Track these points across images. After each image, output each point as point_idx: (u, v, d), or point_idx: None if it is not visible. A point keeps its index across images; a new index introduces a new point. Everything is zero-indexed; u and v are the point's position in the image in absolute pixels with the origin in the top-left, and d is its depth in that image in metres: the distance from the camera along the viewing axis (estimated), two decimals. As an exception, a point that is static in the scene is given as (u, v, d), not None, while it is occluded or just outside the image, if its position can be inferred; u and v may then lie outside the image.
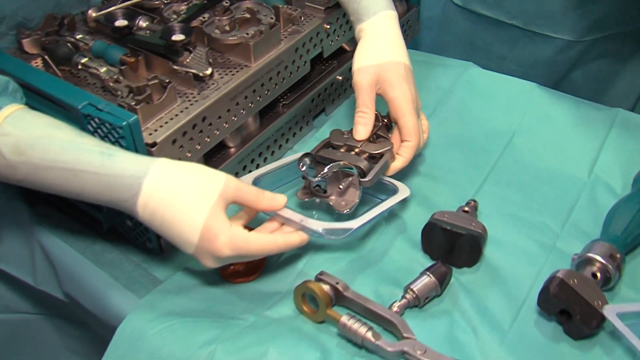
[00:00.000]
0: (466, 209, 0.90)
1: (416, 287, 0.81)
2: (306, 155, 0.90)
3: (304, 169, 0.89)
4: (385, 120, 0.96)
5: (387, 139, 0.94)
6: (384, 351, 0.74)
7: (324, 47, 1.02)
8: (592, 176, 0.97)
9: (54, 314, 1.06)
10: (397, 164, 0.91)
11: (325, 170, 0.87)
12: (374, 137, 0.94)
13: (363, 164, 0.89)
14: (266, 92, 0.93)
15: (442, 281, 0.82)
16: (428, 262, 0.85)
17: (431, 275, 0.81)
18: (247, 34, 0.90)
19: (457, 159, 1.00)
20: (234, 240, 0.74)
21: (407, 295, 0.81)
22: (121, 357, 0.77)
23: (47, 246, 0.90)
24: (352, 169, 0.88)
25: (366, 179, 0.88)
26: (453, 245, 0.84)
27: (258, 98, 0.92)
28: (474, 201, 0.92)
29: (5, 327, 1.07)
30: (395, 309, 0.79)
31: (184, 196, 0.73)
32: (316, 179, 0.87)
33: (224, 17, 0.93)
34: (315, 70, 1.05)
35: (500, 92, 1.10)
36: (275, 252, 0.79)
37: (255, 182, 0.89)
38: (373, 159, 0.91)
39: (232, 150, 0.94)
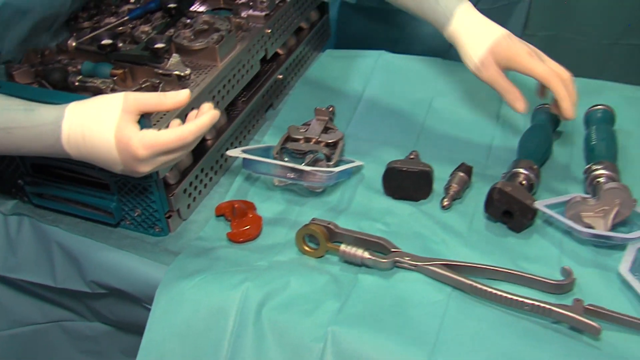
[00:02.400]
0: (411, 156, 1.11)
1: (455, 182, 1.04)
2: (283, 149, 1.10)
3: (286, 159, 1.08)
4: (330, 116, 1.17)
5: (336, 129, 1.14)
6: (380, 263, 0.93)
7: (267, 49, 1.21)
8: (499, 120, 1.21)
9: (64, 318, 1.16)
10: (563, 104, 0.98)
11: (307, 159, 1.07)
12: (325, 129, 1.14)
13: (326, 150, 1.09)
14: (232, 87, 1.11)
15: (470, 175, 1.05)
16: (389, 201, 1.05)
17: (461, 173, 1.05)
18: (211, 39, 1.07)
19: (393, 125, 1.22)
20: (144, 140, 0.83)
21: (451, 191, 1.03)
22: (166, 314, 0.91)
23: (67, 244, 1.02)
24: (322, 155, 1.07)
25: (331, 162, 1.08)
26: (410, 183, 1.05)
27: (227, 92, 1.09)
28: (415, 151, 1.13)
29: (17, 340, 1.15)
30: (446, 202, 1.03)
31: (92, 123, 0.83)
32: (302, 165, 1.05)
33: (187, 30, 1.10)
34: (261, 72, 1.24)
35: (412, 69, 1.34)
36: (192, 138, 0.86)
37: (245, 152, 1.06)
38: (329, 146, 1.11)
39: (209, 142, 1.11)
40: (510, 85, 1.00)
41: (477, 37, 1.00)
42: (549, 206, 0.99)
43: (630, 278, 0.89)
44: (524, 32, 1.67)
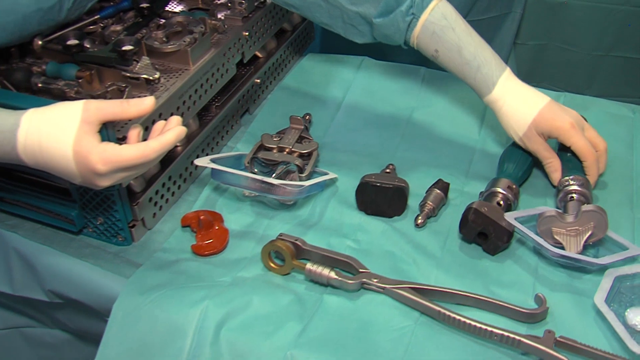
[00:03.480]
0: (387, 170, 1.07)
1: (430, 200, 1.01)
2: (254, 159, 1.06)
3: (256, 169, 1.04)
4: (305, 123, 1.13)
5: (311, 139, 1.10)
6: (346, 284, 0.89)
7: (245, 52, 1.17)
8: (481, 134, 1.18)
9: (24, 325, 1.13)
10: (590, 180, 1.01)
11: (278, 171, 1.03)
12: (300, 139, 1.10)
13: (299, 161, 1.05)
14: (205, 91, 1.07)
15: (446, 192, 1.02)
16: (361, 216, 1.01)
17: (437, 190, 1.01)
18: (184, 41, 1.03)
19: (371, 135, 1.18)
20: (104, 154, 0.79)
21: (426, 209, 1.00)
22: (122, 329, 0.87)
23: (24, 250, 0.98)
24: (294, 167, 1.04)
25: (304, 174, 1.04)
26: (383, 198, 1.01)
27: (199, 97, 1.05)
28: (392, 165, 1.09)
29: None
30: (420, 220, 0.98)
31: (50, 134, 0.79)
32: (272, 178, 1.01)
33: (159, 32, 1.06)
34: (238, 75, 1.20)
35: (394, 77, 1.30)
36: (155, 155, 0.82)
37: (214, 160, 1.02)
38: (302, 157, 1.07)
39: (179, 149, 1.07)
40: (553, 156, 1.04)
41: (520, 109, 1.03)
42: (520, 219, 0.95)
43: (605, 309, 0.85)
44: (515, 41, 1.64)
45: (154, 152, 0.83)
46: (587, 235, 0.92)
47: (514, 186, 1.01)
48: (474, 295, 0.88)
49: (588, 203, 0.97)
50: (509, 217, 0.94)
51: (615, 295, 0.89)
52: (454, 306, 0.88)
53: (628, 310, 0.86)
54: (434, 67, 1.32)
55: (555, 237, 0.93)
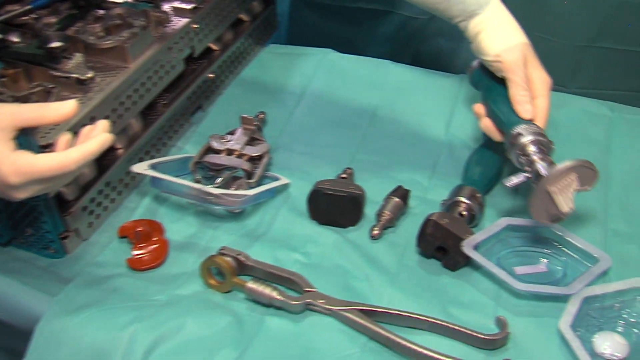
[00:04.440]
0: (343, 175, 1.00)
1: (388, 209, 0.92)
2: (197, 164, 0.98)
3: (198, 175, 0.97)
4: (257, 123, 1.05)
5: (263, 140, 1.02)
6: (290, 305, 0.82)
7: (195, 46, 1.09)
8: (448, 134, 1.10)
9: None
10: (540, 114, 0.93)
11: (221, 178, 0.95)
12: (250, 140, 1.02)
13: (248, 166, 0.97)
14: (147, 90, 0.98)
15: (406, 201, 0.94)
16: (313, 227, 0.94)
17: (396, 198, 0.93)
18: (122, 37, 0.95)
19: (330, 135, 1.10)
20: (17, 164, 0.72)
21: (382, 219, 0.92)
22: (44, 354, 0.80)
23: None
24: (240, 172, 0.96)
25: (252, 180, 0.96)
26: (337, 208, 0.93)
27: (140, 97, 0.97)
28: (350, 169, 1.01)
29: None
30: (376, 231, 0.91)
31: None
32: (214, 186, 0.93)
33: (97, 25, 0.97)
34: (188, 70, 1.11)
35: (358, 72, 1.22)
36: (75, 166, 0.74)
37: (155, 165, 0.95)
38: (253, 160, 0.99)
39: (120, 151, 0.99)
40: (527, 85, 0.94)
41: (510, 31, 0.97)
42: (480, 243, 0.88)
43: (570, 336, 0.78)
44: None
45: (73, 163, 0.75)
46: (575, 186, 0.85)
47: (478, 195, 0.93)
48: (428, 319, 0.80)
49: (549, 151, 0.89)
50: (467, 246, 0.86)
51: (583, 318, 0.81)
52: (407, 330, 0.80)
53: (596, 335, 0.79)
54: (402, 60, 1.25)
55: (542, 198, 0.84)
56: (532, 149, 0.87)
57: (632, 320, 0.81)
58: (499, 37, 0.97)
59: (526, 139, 0.88)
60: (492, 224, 0.92)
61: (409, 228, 0.93)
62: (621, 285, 0.84)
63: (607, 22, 1.54)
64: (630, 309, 0.83)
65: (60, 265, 0.91)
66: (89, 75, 0.90)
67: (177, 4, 1.07)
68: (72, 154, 0.75)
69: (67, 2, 1.02)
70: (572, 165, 0.84)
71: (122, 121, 0.95)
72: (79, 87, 0.90)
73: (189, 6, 1.07)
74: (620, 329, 0.81)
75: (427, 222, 0.88)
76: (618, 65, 1.60)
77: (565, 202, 0.84)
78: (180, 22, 1.05)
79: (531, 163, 0.87)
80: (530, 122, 0.91)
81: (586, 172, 0.85)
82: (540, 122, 0.92)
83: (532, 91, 0.94)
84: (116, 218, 0.97)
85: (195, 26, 1.07)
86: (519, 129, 0.89)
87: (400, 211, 0.95)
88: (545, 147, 0.88)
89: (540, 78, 0.96)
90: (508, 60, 0.95)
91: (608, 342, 0.78)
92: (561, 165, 0.83)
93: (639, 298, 0.83)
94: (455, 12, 0.99)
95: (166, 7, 1.07)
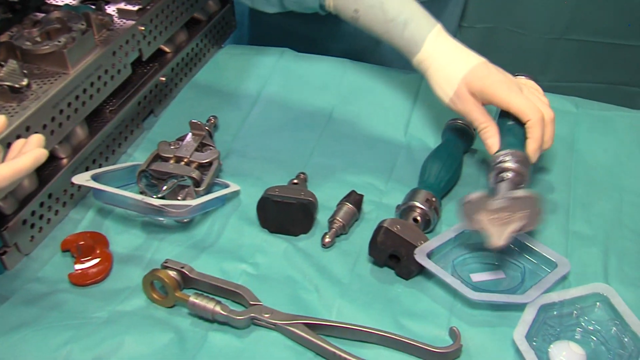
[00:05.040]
0: (295, 181, 0.96)
1: (340, 216, 0.89)
2: (142, 172, 0.94)
3: (142, 184, 0.93)
4: (207, 128, 1.01)
5: (213, 147, 0.99)
6: (234, 320, 0.78)
7: (143, 49, 1.05)
8: (407, 135, 1.06)
9: None
10: (531, 145, 0.88)
11: (165, 187, 0.91)
12: (200, 146, 0.98)
13: (195, 174, 0.94)
14: (90, 97, 0.94)
15: (359, 206, 0.91)
16: (264, 235, 0.91)
17: (349, 204, 0.90)
18: (60, 42, 0.91)
19: (284, 138, 1.06)
20: None
21: (334, 226, 0.88)
22: (-27, 380, 0.77)
23: None
24: (188, 181, 0.92)
25: (201, 188, 0.92)
26: (287, 215, 0.90)
27: (82, 104, 0.93)
28: (303, 174, 0.98)
29: None
30: (327, 239, 0.88)
31: None
32: (159, 196, 0.90)
33: (34, 30, 0.93)
34: (138, 74, 1.08)
35: (315, 72, 1.18)
36: (4, 184, 0.71)
37: (94, 178, 0.91)
38: (203, 167, 0.96)
39: (64, 161, 0.95)
40: (488, 120, 0.91)
41: (451, 65, 0.92)
42: (434, 251, 0.84)
43: (524, 347, 0.75)
44: (461, 24, 1.52)
45: (3, 180, 0.71)
46: (517, 226, 0.79)
47: (434, 199, 0.90)
48: (378, 332, 0.77)
49: (524, 185, 0.84)
50: (420, 253, 0.82)
51: (541, 327, 0.78)
52: (357, 344, 0.77)
53: (552, 345, 0.76)
54: (363, 58, 1.21)
55: (480, 224, 0.80)
56: (506, 175, 0.85)
57: (590, 328, 0.78)
58: (443, 78, 0.93)
59: (505, 165, 0.86)
60: (448, 228, 0.88)
61: (363, 235, 0.90)
62: (580, 292, 0.81)
63: (577, 15, 1.52)
64: (589, 316, 0.79)
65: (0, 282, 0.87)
66: (23, 83, 0.86)
67: (122, 6, 1.03)
68: (2, 170, 0.71)
69: (1, 5, 0.98)
70: (519, 196, 0.80)
71: (63, 130, 0.91)
72: (14, 95, 0.86)
73: (134, 7, 1.03)
74: (577, 337, 0.77)
75: (379, 229, 0.84)
76: (588, 57, 1.58)
77: (498, 235, 0.80)
78: (125, 24, 1.01)
79: (496, 186, 0.84)
80: (517, 149, 0.87)
81: (534, 210, 0.80)
82: (526, 115, 0.88)
83: (502, 105, 0.89)
84: (61, 231, 0.93)
85: (142, 28, 1.03)
86: (504, 153, 0.87)
87: (353, 217, 0.91)
88: (520, 177, 0.85)
89: (498, 89, 0.89)
90: (459, 109, 0.92)
91: (564, 352, 0.75)
92: (505, 197, 0.80)
93: (599, 304, 0.80)
94: (398, 47, 0.96)
95: (110, 9, 1.02)
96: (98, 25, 0.98)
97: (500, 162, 0.86)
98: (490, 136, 0.90)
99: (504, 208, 0.80)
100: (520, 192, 0.80)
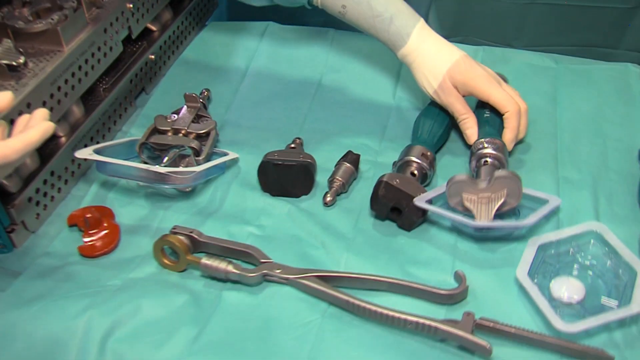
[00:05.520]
0: (292, 145, 0.99)
1: (339, 175, 0.92)
2: (143, 145, 0.95)
3: (144, 156, 0.94)
4: (202, 100, 1.03)
5: (208, 117, 1.01)
6: (247, 278, 0.80)
7: (132, 27, 1.06)
8: (396, 97, 1.09)
9: None
10: (508, 135, 0.94)
11: (168, 156, 0.93)
12: (196, 118, 1.00)
13: (195, 144, 0.96)
14: (85, 74, 0.96)
15: (357, 165, 0.94)
16: (266, 199, 0.93)
17: (347, 163, 0.93)
18: (53, 19, 0.92)
19: (277, 108, 1.09)
20: None
21: (334, 185, 0.91)
22: (-3, 349, 0.78)
23: None
24: (188, 150, 0.94)
25: (201, 157, 0.94)
26: (288, 178, 0.92)
27: (78, 81, 0.94)
28: (299, 138, 1.00)
29: None
30: (329, 198, 0.91)
31: None
32: (162, 165, 0.92)
33: (24, 9, 0.94)
34: (128, 52, 1.09)
35: (301, 42, 1.20)
36: (16, 156, 0.71)
37: (99, 150, 0.93)
38: (200, 137, 0.98)
39: (63, 139, 0.96)
40: (468, 111, 0.96)
41: (435, 59, 0.96)
42: (433, 200, 0.88)
43: (527, 284, 0.78)
44: (435, -6, 1.55)
45: (14, 153, 0.72)
46: (500, 203, 0.84)
47: (429, 153, 0.93)
48: (387, 279, 0.80)
49: (503, 168, 0.89)
50: (419, 201, 0.85)
51: (540, 265, 0.82)
52: (366, 292, 0.80)
53: (552, 281, 0.79)
54: (344, 27, 1.23)
55: (466, 204, 0.85)
56: (487, 160, 0.92)
57: (587, 263, 0.82)
58: (428, 71, 0.97)
59: (484, 151, 0.92)
60: (445, 181, 0.91)
61: (362, 192, 0.93)
62: (574, 230, 0.84)
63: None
64: (585, 253, 0.83)
65: (9, 259, 0.88)
66: (21, 60, 0.87)
67: (109, -15, 1.04)
68: (13, 143, 0.72)
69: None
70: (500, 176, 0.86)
71: (61, 107, 0.92)
72: (12, 73, 0.87)
73: (122, -14, 1.04)
74: (575, 273, 0.81)
75: (379, 184, 0.87)
76: (560, 20, 1.61)
77: (484, 213, 0.85)
78: (113, 2, 1.02)
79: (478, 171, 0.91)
80: (495, 137, 0.93)
81: (514, 188, 0.85)
82: (504, 107, 0.94)
83: (483, 96, 0.95)
84: (64, 208, 0.95)
85: (130, 6, 1.04)
86: (483, 141, 0.93)
87: (352, 176, 0.94)
88: (498, 162, 0.91)
89: (479, 82, 0.95)
90: (442, 100, 0.97)
91: (565, 287, 0.78)
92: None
93: (592, 241, 0.84)
94: (383, 40, 0.99)
95: (99, -12, 1.04)
96: (88, 3, 0.99)
97: (480, 149, 0.92)
98: (470, 127, 0.96)
99: (487, 188, 0.86)
100: (500, 172, 0.86)
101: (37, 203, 0.91)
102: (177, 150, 0.93)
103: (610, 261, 0.82)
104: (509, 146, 0.95)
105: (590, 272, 0.81)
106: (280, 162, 0.91)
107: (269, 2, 1.05)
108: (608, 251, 0.83)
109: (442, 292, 0.78)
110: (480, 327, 0.74)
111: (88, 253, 0.87)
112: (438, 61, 0.96)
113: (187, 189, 0.94)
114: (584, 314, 0.76)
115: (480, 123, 0.96)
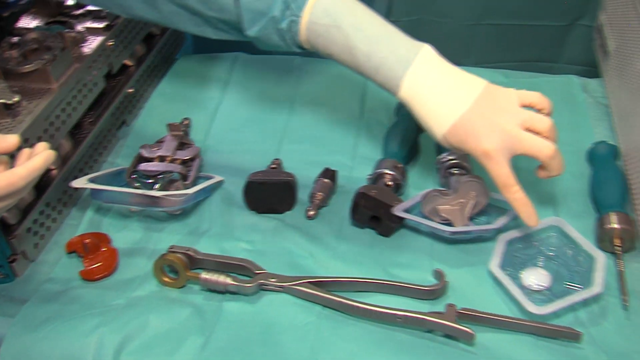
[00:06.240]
0: (273, 166, 1.06)
1: (319, 190, 0.99)
2: (133, 172, 1.02)
3: (137, 185, 1.00)
4: (183, 129, 1.09)
5: (192, 144, 1.08)
6: (244, 288, 0.87)
7: (112, 62, 1.12)
8: (364, 115, 1.18)
9: None
10: (541, 174, 0.89)
11: (158, 185, 0.99)
12: (180, 145, 1.07)
13: (182, 169, 1.02)
14: (73, 109, 1.01)
15: (335, 180, 1.02)
16: (253, 216, 1.00)
17: (325, 179, 1.00)
18: (42, 59, 0.97)
19: (253, 132, 1.16)
20: None
21: (316, 200, 0.98)
22: (12, 372, 0.83)
23: None
24: (176, 175, 1.00)
25: (188, 182, 1.01)
26: (272, 195, 0.99)
27: (68, 116, 1.00)
28: (278, 159, 1.07)
29: None
30: (311, 212, 0.97)
31: None
32: (154, 189, 0.98)
33: (13, 51, 1.00)
34: (108, 87, 1.15)
35: (270, 70, 1.28)
36: (23, 183, 0.76)
37: (92, 180, 0.98)
38: (186, 163, 1.04)
39: (54, 172, 1.01)
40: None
41: (432, 117, 0.85)
42: (409, 209, 0.96)
43: (500, 275, 0.87)
44: (389, 19, 1.64)
45: (21, 180, 0.77)
46: (471, 205, 0.93)
47: (400, 165, 1.01)
48: (373, 281, 0.88)
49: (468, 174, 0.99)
50: (397, 210, 0.93)
51: (509, 259, 0.90)
52: (356, 294, 0.87)
53: (522, 271, 0.88)
54: (310, 55, 1.32)
55: (442, 214, 0.94)
56: (453, 170, 1.00)
57: (551, 254, 0.91)
58: (427, 128, 0.87)
59: (449, 162, 1.01)
60: (417, 190, 1.00)
61: (342, 204, 1.00)
62: (537, 226, 0.93)
63: (490, 1, 1.66)
64: (548, 245, 0.92)
65: (12, 288, 0.92)
66: (16, 99, 0.92)
67: (89, 24, 1.11)
68: (19, 171, 0.77)
69: (-20, 32, 1.04)
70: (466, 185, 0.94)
71: (54, 141, 0.97)
72: (7, 112, 0.92)
73: (101, 25, 1.10)
74: (541, 263, 0.90)
75: (358, 195, 0.95)
76: (504, 38, 1.72)
77: (460, 218, 0.94)
78: (95, 40, 1.08)
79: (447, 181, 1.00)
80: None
81: (481, 189, 0.94)
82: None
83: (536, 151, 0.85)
84: (61, 236, 1.00)
85: (111, 43, 1.11)
86: (446, 154, 1.02)
87: (331, 190, 1.02)
88: (464, 169, 1.00)
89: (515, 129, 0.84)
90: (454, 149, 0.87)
91: (533, 276, 0.87)
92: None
93: (554, 234, 0.93)
94: (382, 78, 0.87)
95: (79, 27, 1.10)
96: (71, 42, 1.05)
97: (444, 162, 1.01)
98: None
99: (457, 195, 0.95)
100: (465, 178, 0.96)
101: (35, 233, 0.96)
102: (168, 175, 0.99)
103: (570, 251, 0.91)
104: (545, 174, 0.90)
105: (554, 262, 0.90)
106: (264, 181, 0.98)
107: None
108: (568, 242, 0.92)
109: (425, 288, 0.86)
110: (462, 316, 0.82)
111: (89, 276, 0.92)
112: (435, 121, 0.85)
113: (178, 212, 1.00)
114: (552, 298, 0.84)
115: None
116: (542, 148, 0.85)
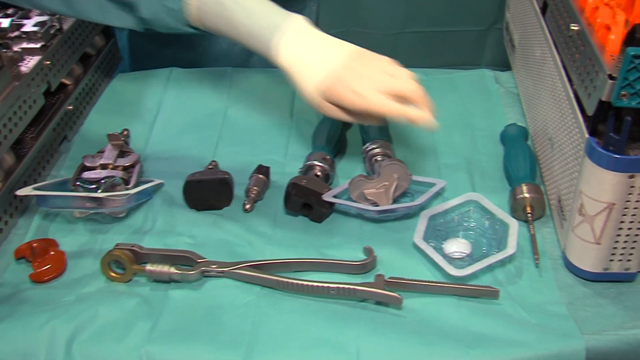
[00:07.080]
0: (210, 166, 1.12)
1: (254, 185, 1.06)
2: (76, 180, 1.07)
3: (82, 191, 1.05)
4: (123, 139, 1.15)
5: (131, 151, 1.14)
6: (188, 276, 0.92)
7: (50, 81, 1.17)
8: (294, 117, 1.25)
9: None
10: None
11: (101, 189, 1.04)
12: (121, 154, 1.12)
13: (123, 174, 1.08)
14: (14, 125, 1.06)
15: (268, 176, 1.08)
16: (193, 214, 1.06)
17: (259, 175, 1.07)
18: (-18, 78, 1.03)
19: (190, 139, 1.22)
20: None
21: (251, 194, 1.05)
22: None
23: None
24: (118, 179, 1.06)
25: (130, 185, 1.06)
26: (210, 192, 1.05)
27: (9, 131, 1.05)
28: (214, 161, 1.14)
29: None
30: (247, 205, 1.04)
31: None
32: (99, 193, 1.03)
33: (-48, 72, 1.04)
34: (48, 105, 1.20)
35: (203, 82, 1.35)
36: None
37: (38, 189, 1.02)
38: (127, 169, 1.10)
39: (-1, 185, 1.06)
40: (356, 115, 0.95)
41: (303, 76, 0.93)
42: (338, 195, 1.03)
43: (423, 245, 0.94)
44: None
45: None
46: (394, 186, 1.01)
47: (328, 157, 1.08)
48: (307, 260, 0.94)
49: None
50: (327, 196, 1.01)
51: (432, 232, 0.98)
52: (292, 274, 0.93)
53: (444, 243, 0.96)
54: (240, 64, 1.39)
55: (368, 197, 1.02)
56: (377, 158, 1.09)
57: (471, 225, 0.99)
58: (300, 88, 0.94)
59: (373, 151, 1.09)
60: (345, 179, 1.07)
61: (275, 197, 1.07)
62: (457, 201, 1.02)
63: (411, 10, 1.76)
64: (467, 218, 1.00)
65: (-38, 292, 0.96)
66: (-41, 116, 0.97)
67: (25, 45, 1.16)
68: None
69: None
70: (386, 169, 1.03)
71: (-6, 157, 1.02)
72: (-51, 129, 0.97)
73: (37, 45, 1.16)
74: (461, 235, 0.98)
75: (289, 185, 1.02)
76: (428, 45, 1.82)
77: (385, 199, 1.02)
78: (32, 60, 1.14)
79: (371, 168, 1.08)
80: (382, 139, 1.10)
81: (402, 172, 1.03)
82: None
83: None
84: (8, 245, 1.03)
85: (48, 62, 1.16)
86: (370, 143, 1.10)
87: (265, 185, 1.08)
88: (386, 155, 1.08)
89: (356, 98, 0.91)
90: (328, 115, 0.96)
91: (455, 246, 0.95)
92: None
93: (472, 208, 1.02)
94: (251, 42, 0.95)
95: (16, 48, 1.15)
96: (9, 61, 1.10)
97: (369, 151, 1.10)
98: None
99: (381, 179, 1.03)
100: (386, 162, 1.04)
101: (-16, 243, 1.00)
102: (109, 179, 1.05)
103: (487, 221, 0.99)
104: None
105: (472, 233, 0.98)
106: (202, 180, 1.05)
107: (142, 28, 1.03)
108: (485, 214, 1.00)
109: (356, 263, 0.93)
110: (390, 284, 0.89)
111: (39, 278, 0.96)
112: (305, 80, 0.93)
113: (121, 214, 1.05)
114: (472, 263, 0.92)
115: (363, 130, 1.14)
116: (406, 83, 0.95)
